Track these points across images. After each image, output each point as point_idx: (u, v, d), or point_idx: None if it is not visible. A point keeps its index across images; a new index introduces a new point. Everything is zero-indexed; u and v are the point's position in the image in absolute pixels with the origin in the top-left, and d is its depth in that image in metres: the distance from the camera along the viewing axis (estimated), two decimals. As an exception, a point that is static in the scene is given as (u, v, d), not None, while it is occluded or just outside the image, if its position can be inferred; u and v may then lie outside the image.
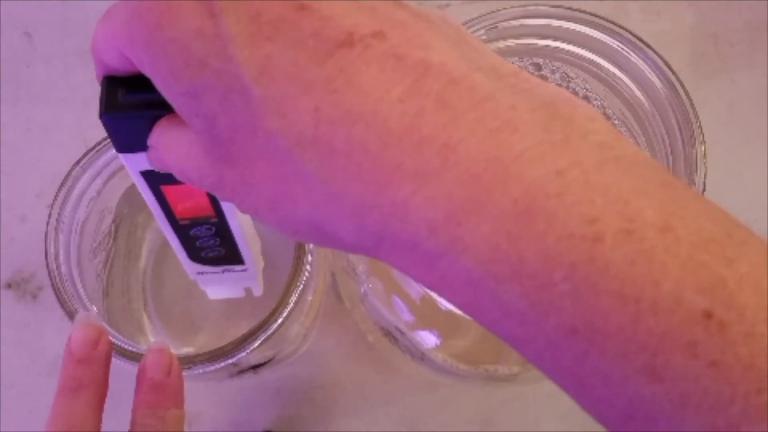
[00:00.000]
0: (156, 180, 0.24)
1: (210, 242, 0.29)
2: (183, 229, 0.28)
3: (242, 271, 0.33)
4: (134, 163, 0.23)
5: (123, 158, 0.23)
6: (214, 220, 0.28)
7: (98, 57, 0.21)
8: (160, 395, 0.28)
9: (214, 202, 0.27)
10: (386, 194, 0.16)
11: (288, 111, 0.17)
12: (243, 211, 0.20)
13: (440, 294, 0.17)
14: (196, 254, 0.31)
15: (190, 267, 0.32)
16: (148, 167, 0.22)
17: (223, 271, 0.33)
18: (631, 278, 0.14)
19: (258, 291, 0.36)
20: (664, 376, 0.14)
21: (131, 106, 0.20)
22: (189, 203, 0.26)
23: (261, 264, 0.34)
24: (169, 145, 0.20)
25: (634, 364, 0.14)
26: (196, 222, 0.28)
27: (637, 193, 0.15)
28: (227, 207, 0.27)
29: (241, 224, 0.28)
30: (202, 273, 0.33)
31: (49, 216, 0.36)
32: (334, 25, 0.17)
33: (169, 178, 0.21)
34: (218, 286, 0.35)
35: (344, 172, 0.16)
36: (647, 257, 0.14)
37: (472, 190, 0.16)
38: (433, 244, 0.16)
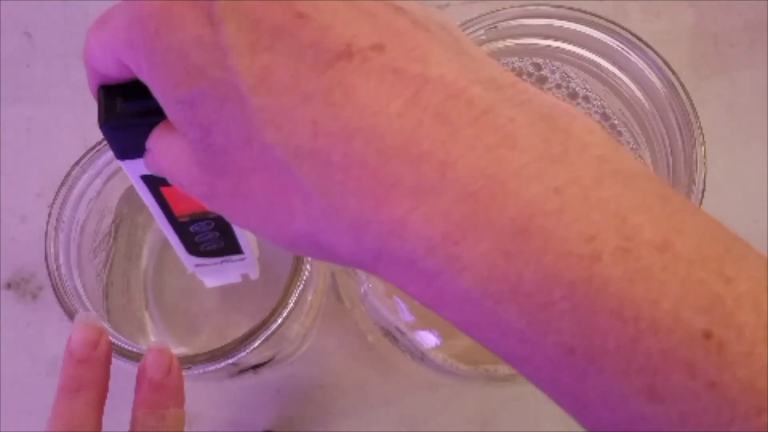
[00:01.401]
0: (155, 182, 0.24)
1: (209, 236, 0.30)
2: (182, 226, 0.28)
3: (240, 260, 0.33)
4: (134, 169, 0.23)
5: (123, 164, 0.23)
6: (214, 215, 0.28)
7: (92, 66, 0.20)
8: (161, 394, 0.28)
9: None
10: (384, 210, 0.16)
11: (285, 122, 0.16)
12: (235, 223, 0.19)
13: (437, 312, 0.17)
14: (195, 248, 0.31)
15: (188, 260, 0.32)
16: (147, 171, 0.22)
17: (222, 262, 0.33)
18: (629, 297, 0.14)
19: (254, 275, 0.36)
20: (663, 396, 0.14)
21: (131, 114, 0.20)
22: (188, 201, 0.26)
23: (257, 252, 0.34)
24: (163, 149, 0.20)
25: (634, 383, 0.14)
26: (195, 218, 0.28)
27: (635, 209, 0.15)
28: None
29: None
30: (201, 265, 0.33)
31: (49, 216, 0.36)
32: (333, 35, 0.16)
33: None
34: (216, 276, 0.35)
35: (342, 187, 0.16)
36: (645, 276, 0.14)
37: (470, 208, 0.15)
38: (430, 262, 0.16)
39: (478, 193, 0.15)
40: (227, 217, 0.20)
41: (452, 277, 0.16)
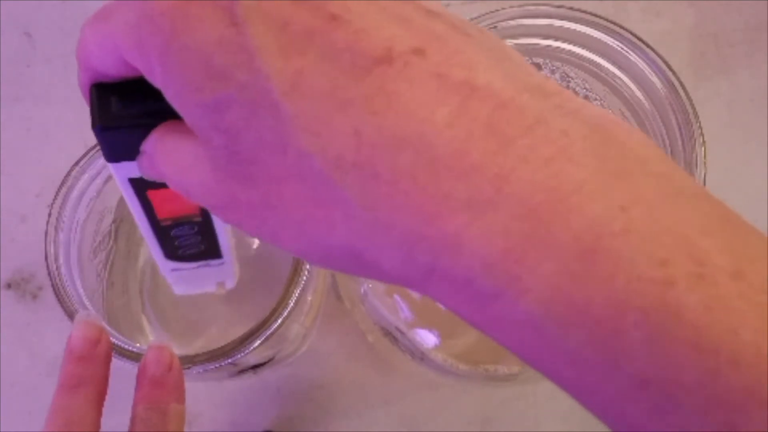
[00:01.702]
0: (144, 186, 0.24)
1: (190, 240, 0.29)
2: (164, 230, 0.28)
3: (219, 265, 0.32)
4: (123, 171, 0.22)
5: (112, 167, 0.22)
6: (198, 219, 0.27)
7: (87, 62, 0.19)
8: (161, 390, 0.28)
9: None
10: (437, 226, 0.15)
11: (323, 131, 0.16)
12: (258, 236, 0.18)
13: (492, 335, 0.16)
14: (173, 252, 0.30)
15: (164, 265, 0.31)
16: (137, 174, 0.22)
17: (199, 267, 0.31)
18: (707, 327, 0.13)
19: (231, 284, 0.35)
20: None
21: (127, 116, 0.20)
22: (174, 205, 0.26)
23: (236, 265, 0.32)
24: (168, 154, 0.19)
25: (713, 419, 0.14)
26: (178, 222, 0.27)
27: (703, 233, 0.14)
28: None
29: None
30: (177, 270, 0.31)
31: (49, 216, 0.36)
32: (370, 38, 0.16)
33: (157, 183, 0.21)
34: (191, 282, 0.34)
35: (390, 200, 0.15)
36: (723, 304, 0.14)
37: (531, 225, 0.15)
38: (488, 282, 0.15)
39: (537, 208, 0.15)
40: (248, 230, 0.18)
41: (512, 299, 0.15)
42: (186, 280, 0.33)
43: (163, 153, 0.19)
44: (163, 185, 0.20)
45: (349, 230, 0.16)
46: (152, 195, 0.25)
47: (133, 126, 0.20)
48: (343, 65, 0.16)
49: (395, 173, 0.15)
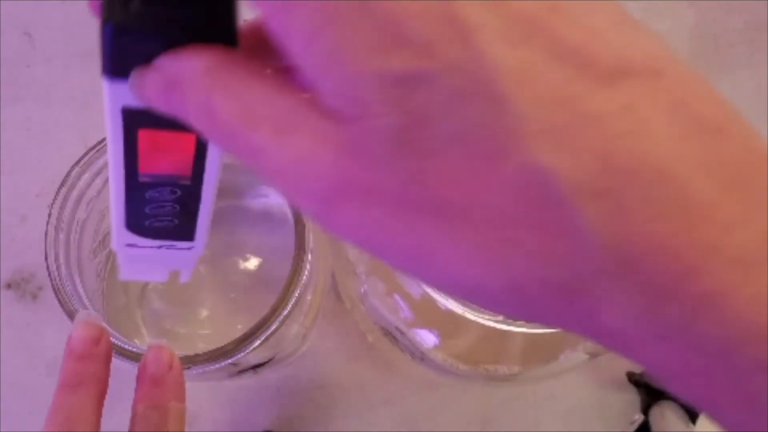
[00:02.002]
0: (138, 121, 0.18)
1: (164, 209, 0.23)
2: (139, 188, 0.22)
3: (185, 249, 0.26)
4: (119, 95, 0.17)
5: (107, 86, 0.17)
6: (186, 182, 0.22)
7: None
8: (162, 389, 0.28)
9: (199, 159, 0.20)
10: (700, 281, 0.13)
11: (566, 146, 0.13)
12: (374, 248, 0.15)
13: (726, 418, 0.14)
14: (137, 221, 0.24)
15: (120, 235, 0.24)
16: (137, 104, 0.17)
17: (161, 247, 0.25)
18: None
19: (186, 277, 0.28)
20: None
21: (154, 18, 0.15)
22: (165, 156, 0.21)
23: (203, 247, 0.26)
24: (233, 96, 0.15)
25: None
26: (160, 181, 0.22)
27: None
28: (212, 168, 0.21)
29: (213, 194, 0.23)
30: (133, 245, 0.25)
31: (49, 216, 0.36)
32: (603, 43, 0.13)
33: (157, 121, 0.16)
34: (142, 266, 0.27)
35: (640, 241, 0.13)
36: None
37: None
38: (751, 353, 0.13)
39: None
40: (363, 239, 0.15)
41: None
42: (138, 261, 0.26)
43: (214, 89, 0.15)
44: (161, 125, 0.16)
45: (571, 265, 0.13)
46: (143, 136, 0.19)
47: (163, 32, 0.15)
48: (576, 68, 0.13)
49: (648, 210, 0.13)
